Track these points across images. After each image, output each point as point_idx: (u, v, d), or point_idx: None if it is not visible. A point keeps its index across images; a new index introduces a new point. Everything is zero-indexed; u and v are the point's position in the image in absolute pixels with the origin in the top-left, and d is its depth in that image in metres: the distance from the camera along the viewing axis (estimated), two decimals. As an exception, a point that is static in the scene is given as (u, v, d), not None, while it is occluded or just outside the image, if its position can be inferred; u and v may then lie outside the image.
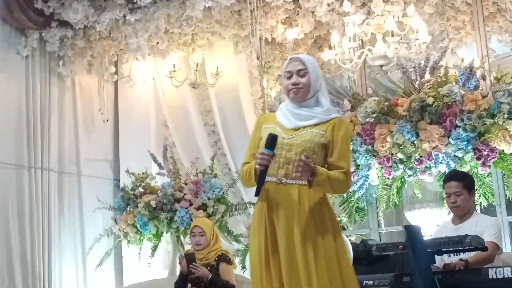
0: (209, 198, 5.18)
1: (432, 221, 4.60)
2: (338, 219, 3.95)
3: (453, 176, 3.73)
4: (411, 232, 2.94)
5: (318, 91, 2.49)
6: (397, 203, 4.72)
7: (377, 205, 4.88)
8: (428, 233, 3.83)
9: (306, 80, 2.46)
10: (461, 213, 3.62)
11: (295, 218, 2.33)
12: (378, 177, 4.76)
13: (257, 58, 5.35)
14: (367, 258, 3.19)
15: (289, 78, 2.50)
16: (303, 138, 2.41)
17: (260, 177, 2.32)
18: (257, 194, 2.35)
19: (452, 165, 4.49)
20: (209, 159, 5.53)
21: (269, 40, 5.51)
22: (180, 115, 5.94)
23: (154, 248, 5.31)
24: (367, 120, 4.74)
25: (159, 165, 5.55)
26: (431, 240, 3.26)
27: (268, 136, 2.35)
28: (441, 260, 3.38)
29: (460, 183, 3.59)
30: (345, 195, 4.73)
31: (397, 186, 4.69)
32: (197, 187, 5.22)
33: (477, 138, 4.44)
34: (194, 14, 5.34)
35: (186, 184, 5.32)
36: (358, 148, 4.75)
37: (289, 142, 2.41)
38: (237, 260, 4.83)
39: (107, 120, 6.08)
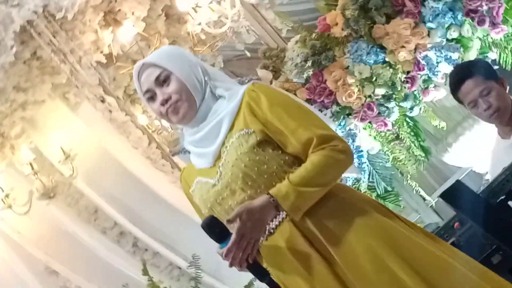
0: None
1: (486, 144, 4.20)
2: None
3: (463, 73, 3.55)
4: (453, 195, 2.89)
5: (206, 84, 2.34)
6: (425, 154, 4.40)
7: (402, 176, 4.62)
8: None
9: (175, 86, 2.30)
10: (506, 116, 3.46)
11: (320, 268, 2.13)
12: (375, 138, 4.50)
13: (102, 101, 5.58)
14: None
15: (152, 98, 2.33)
16: (230, 164, 2.21)
17: (254, 269, 2.16)
18: (265, 278, 2.15)
19: (454, 55, 4.20)
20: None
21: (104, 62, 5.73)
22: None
23: None
24: (305, 74, 4.39)
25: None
26: (491, 183, 3.08)
27: (203, 227, 2.12)
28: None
29: (479, 77, 3.44)
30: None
31: (406, 132, 4.43)
32: None
33: (460, -2, 4.15)
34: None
35: None
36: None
37: (219, 187, 2.23)
38: None
39: None
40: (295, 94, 4.38)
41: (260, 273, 2.17)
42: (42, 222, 6.38)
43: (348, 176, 4.65)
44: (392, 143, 4.46)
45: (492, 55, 4.24)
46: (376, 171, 4.75)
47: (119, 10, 5.88)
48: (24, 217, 6.15)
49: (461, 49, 4.21)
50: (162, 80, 2.31)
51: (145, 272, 5.30)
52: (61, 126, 6.33)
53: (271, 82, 4.66)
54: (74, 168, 6.10)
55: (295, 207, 2.13)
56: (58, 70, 6.01)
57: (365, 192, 4.76)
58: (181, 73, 2.32)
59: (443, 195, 2.93)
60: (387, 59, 4.23)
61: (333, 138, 2.20)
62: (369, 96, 4.29)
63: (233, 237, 2.07)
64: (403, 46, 4.15)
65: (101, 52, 5.96)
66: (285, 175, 2.17)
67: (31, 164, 6.05)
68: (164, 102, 2.30)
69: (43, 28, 5.67)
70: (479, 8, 4.09)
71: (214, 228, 2.13)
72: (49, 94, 6.25)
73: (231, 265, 2.14)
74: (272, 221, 2.17)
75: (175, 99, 2.30)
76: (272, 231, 2.18)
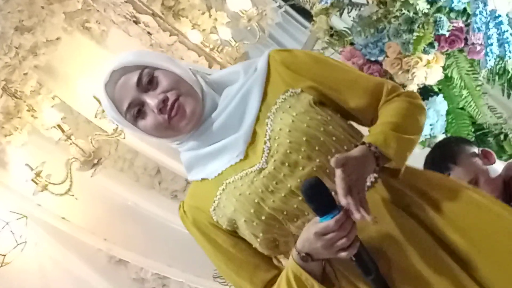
0: None
1: None
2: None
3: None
4: None
5: (196, 72, 2.28)
6: None
7: None
8: None
9: (168, 80, 2.19)
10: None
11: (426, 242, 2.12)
12: None
13: (136, 23, 5.64)
14: None
15: (141, 113, 2.18)
16: (286, 129, 2.17)
17: (364, 255, 2.05)
18: (372, 270, 2.07)
19: None
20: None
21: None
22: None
23: None
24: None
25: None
26: None
27: (306, 188, 2.00)
28: None
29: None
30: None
31: None
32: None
33: None
34: None
35: None
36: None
37: (270, 169, 2.15)
38: None
39: None
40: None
41: (370, 260, 2.11)
42: (92, 200, 6.31)
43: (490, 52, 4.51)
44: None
45: None
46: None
47: None
48: (67, 197, 5.91)
49: None
50: (147, 82, 2.18)
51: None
52: (88, 68, 5.94)
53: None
54: None
55: (399, 154, 2.14)
56: None
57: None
58: (165, 64, 2.26)
59: None
60: None
61: (399, 86, 2.31)
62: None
63: (340, 192, 2.00)
64: None
65: (121, -46, 5.80)
66: (352, 143, 2.20)
67: (59, 127, 5.78)
68: (162, 105, 2.16)
69: None
70: None
71: (320, 192, 2.04)
72: (63, 28, 6.04)
73: (341, 246, 2.05)
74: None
75: (174, 96, 2.18)
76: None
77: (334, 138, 2.17)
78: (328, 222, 1.99)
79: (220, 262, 2.30)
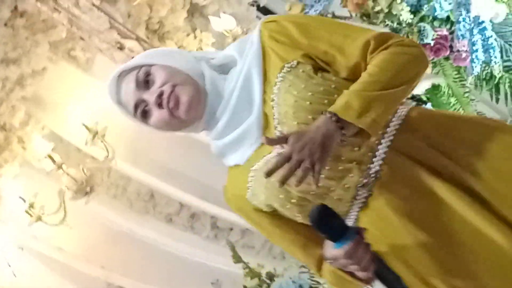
0: None
1: None
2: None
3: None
4: None
5: (198, 60, 2.32)
6: None
7: None
8: None
9: (162, 74, 2.23)
10: None
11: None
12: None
13: (120, 49, 5.54)
14: None
15: (146, 112, 2.24)
16: (291, 111, 2.17)
17: (385, 271, 2.10)
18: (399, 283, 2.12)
19: None
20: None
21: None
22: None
23: None
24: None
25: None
26: None
27: (315, 218, 2.02)
28: None
29: None
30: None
31: None
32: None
33: None
34: None
35: None
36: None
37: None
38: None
39: None
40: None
41: (392, 275, 2.14)
42: (86, 228, 6.30)
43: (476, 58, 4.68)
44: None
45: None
46: (510, 45, 4.73)
47: None
48: (61, 227, 5.89)
49: None
50: (144, 80, 2.24)
51: (236, 258, 5.01)
52: (75, 96, 6.10)
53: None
54: (108, 146, 5.85)
55: (363, 116, 2.06)
56: (52, 23, 5.78)
57: (502, 76, 4.85)
58: (160, 59, 2.29)
59: None
60: None
61: (393, 35, 2.25)
62: None
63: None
64: None
65: (102, -17, 5.78)
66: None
67: (50, 157, 5.76)
68: (159, 100, 2.20)
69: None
70: None
71: (327, 220, 2.04)
72: (49, 58, 6.00)
73: (354, 270, 2.10)
74: (371, 162, 2.14)
75: (169, 88, 2.21)
76: (376, 174, 2.15)
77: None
78: (337, 252, 2.02)
79: (275, 241, 2.40)
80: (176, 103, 2.20)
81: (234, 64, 2.29)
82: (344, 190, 2.16)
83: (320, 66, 2.22)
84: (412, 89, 2.32)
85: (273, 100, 2.20)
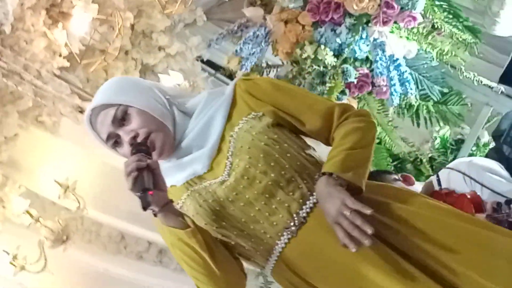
0: None
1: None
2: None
3: None
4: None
5: (171, 104, 2.42)
6: (474, 34, 4.58)
7: (456, 70, 4.78)
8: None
9: (138, 119, 2.32)
10: None
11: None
12: (408, 38, 4.72)
13: (81, 112, 5.54)
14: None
15: (117, 143, 2.35)
16: (246, 147, 2.27)
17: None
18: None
19: None
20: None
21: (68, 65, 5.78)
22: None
23: None
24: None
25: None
26: None
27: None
28: None
29: None
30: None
31: (442, 18, 4.58)
32: None
33: None
34: None
35: None
36: (335, 38, 4.80)
37: (231, 181, 2.27)
38: None
39: None
40: (297, 21, 4.51)
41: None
42: (66, 272, 6.36)
43: (394, 91, 4.88)
44: (430, 37, 4.58)
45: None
46: (423, 76, 4.93)
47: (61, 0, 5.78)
48: (44, 273, 6.04)
49: None
50: (120, 118, 2.31)
51: (203, 285, 5.16)
52: (47, 156, 6.31)
53: (264, 19, 4.73)
54: (79, 198, 6.05)
55: (357, 174, 2.18)
56: (18, 95, 5.94)
57: (419, 104, 5.01)
58: (138, 102, 2.33)
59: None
60: None
61: (351, 106, 2.36)
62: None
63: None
64: None
65: (60, 55, 5.83)
66: (305, 158, 2.29)
67: (28, 212, 5.99)
68: (133, 140, 2.29)
69: (-19, 53, 5.62)
70: None
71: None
72: (19, 125, 6.19)
73: None
74: (301, 209, 2.21)
75: (144, 133, 2.29)
76: (303, 220, 2.21)
77: (288, 155, 2.26)
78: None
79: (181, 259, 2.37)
80: (152, 147, 2.31)
81: (200, 108, 2.40)
82: (272, 226, 2.23)
83: (280, 123, 2.34)
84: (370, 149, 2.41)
85: (231, 136, 2.31)
